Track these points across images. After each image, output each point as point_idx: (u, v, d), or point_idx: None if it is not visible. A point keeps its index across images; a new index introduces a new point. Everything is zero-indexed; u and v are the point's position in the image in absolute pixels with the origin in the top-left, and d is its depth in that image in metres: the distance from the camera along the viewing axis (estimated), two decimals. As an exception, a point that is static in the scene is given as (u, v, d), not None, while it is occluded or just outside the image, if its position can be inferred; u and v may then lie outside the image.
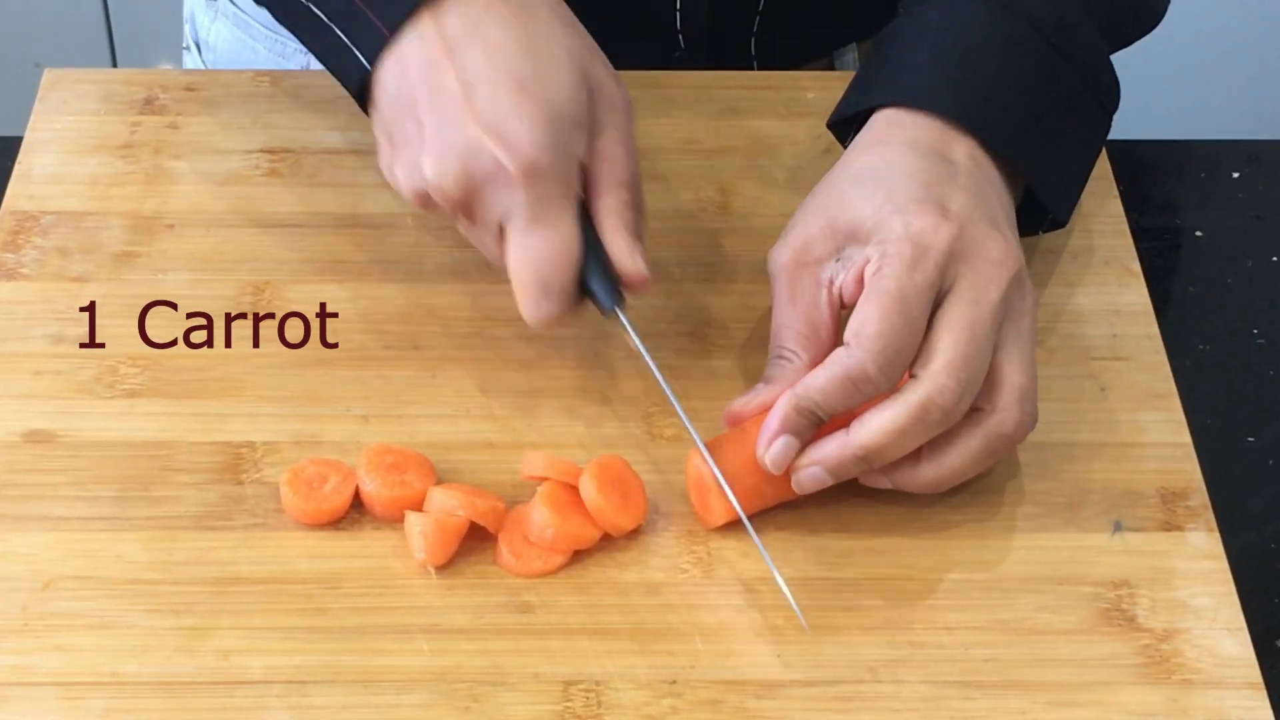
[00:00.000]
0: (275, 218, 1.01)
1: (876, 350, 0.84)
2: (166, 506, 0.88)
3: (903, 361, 0.84)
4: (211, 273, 0.98)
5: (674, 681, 0.82)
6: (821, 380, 0.84)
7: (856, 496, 0.88)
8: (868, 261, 0.86)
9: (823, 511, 0.88)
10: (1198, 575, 0.87)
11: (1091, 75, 0.95)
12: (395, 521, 0.87)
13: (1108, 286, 0.99)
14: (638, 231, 0.89)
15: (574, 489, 0.86)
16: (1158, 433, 0.92)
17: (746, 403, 0.88)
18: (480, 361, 0.94)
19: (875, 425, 0.84)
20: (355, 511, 0.88)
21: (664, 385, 0.88)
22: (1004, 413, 0.86)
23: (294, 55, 1.16)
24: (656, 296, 0.94)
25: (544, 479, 0.87)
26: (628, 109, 0.90)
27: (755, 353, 0.94)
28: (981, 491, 0.89)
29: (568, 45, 0.88)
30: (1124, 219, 1.03)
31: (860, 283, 0.86)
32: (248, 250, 1.00)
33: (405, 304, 0.97)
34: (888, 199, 0.87)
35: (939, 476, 0.86)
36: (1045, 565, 0.87)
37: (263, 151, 1.05)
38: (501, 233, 0.87)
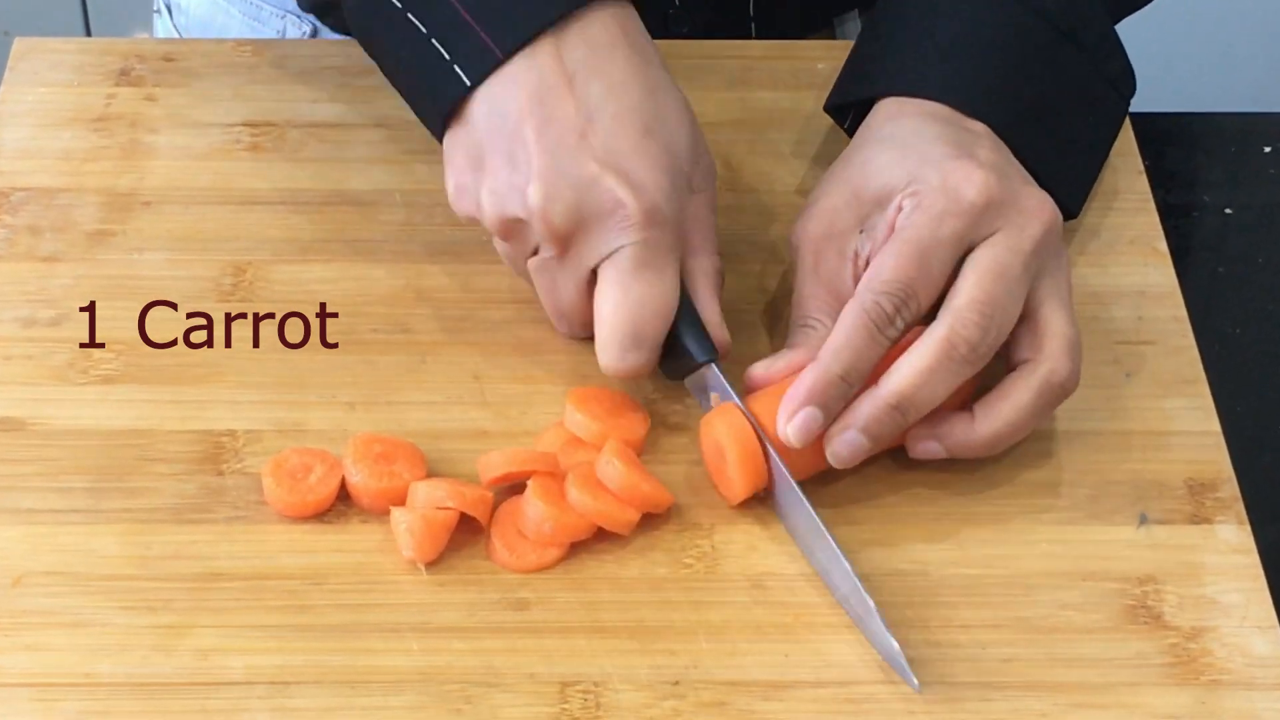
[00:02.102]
0: (257, 194, 1.01)
1: (888, 291, 0.85)
2: (143, 498, 0.87)
3: (917, 303, 0.85)
4: (190, 252, 0.98)
5: (677, 682, 0.82)
6: (842, 336, 0.85)
7: (867, 488, 0.88)
8: (900, 211, 0.87)
9: (832, 504, 0.88)
10: (1227, 570, 0.86)
11: (1103, 62, 0.96)
12: (383, 514, 0.86)
13: (1133, 267, 0.99)
14: (720, 298, 0.91)
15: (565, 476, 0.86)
16: (1185, 420, 0.92)
17: (770, 366, 0.88)
18: (473, 346, 0.94)
19: (903, 370, 0.85)
20: (341, 504, 0.87)
21: (767, 444, 0.86)
22: (1054, 362, 0.87)
23: (270, 19, 1.16)
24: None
25: (509, 476, 0.87)
26: (715, 175, 0.92)
27: (764, 337, 0.94)
28: (1000, 483, 0.89)
29: (681, 99, 0.90)
30: (1150, 196, 1.03)
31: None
32: (228, 229, 0.99)
33: (394, 285, 0.97)
34: (922, 159, 0.88)
35: (995, 432, 0.87)
36: (1067, 560, 0.86)
37: (244, 125, 1.05)
38: (591, 279, 0.87)
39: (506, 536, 0.86)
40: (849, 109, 0.99)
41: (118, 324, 0.94)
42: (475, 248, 0.98)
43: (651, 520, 0.87)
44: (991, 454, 0.88)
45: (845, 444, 0.85)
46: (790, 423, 0.85)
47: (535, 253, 0.88)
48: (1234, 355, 1.00)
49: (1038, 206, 0.88)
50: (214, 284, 0.96)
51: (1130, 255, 1.00)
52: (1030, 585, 0.85)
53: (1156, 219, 1.02)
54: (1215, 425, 0.92)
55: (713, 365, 0.89)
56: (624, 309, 0.86)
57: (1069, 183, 0.95)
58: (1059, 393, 0.87)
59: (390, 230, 0.99)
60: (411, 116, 1.04)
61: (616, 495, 0.85)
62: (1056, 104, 0.95)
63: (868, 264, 0.88)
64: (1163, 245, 1.00)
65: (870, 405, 0.85)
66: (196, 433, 0.90)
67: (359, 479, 0.87)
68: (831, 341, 0.85)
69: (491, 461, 0.87)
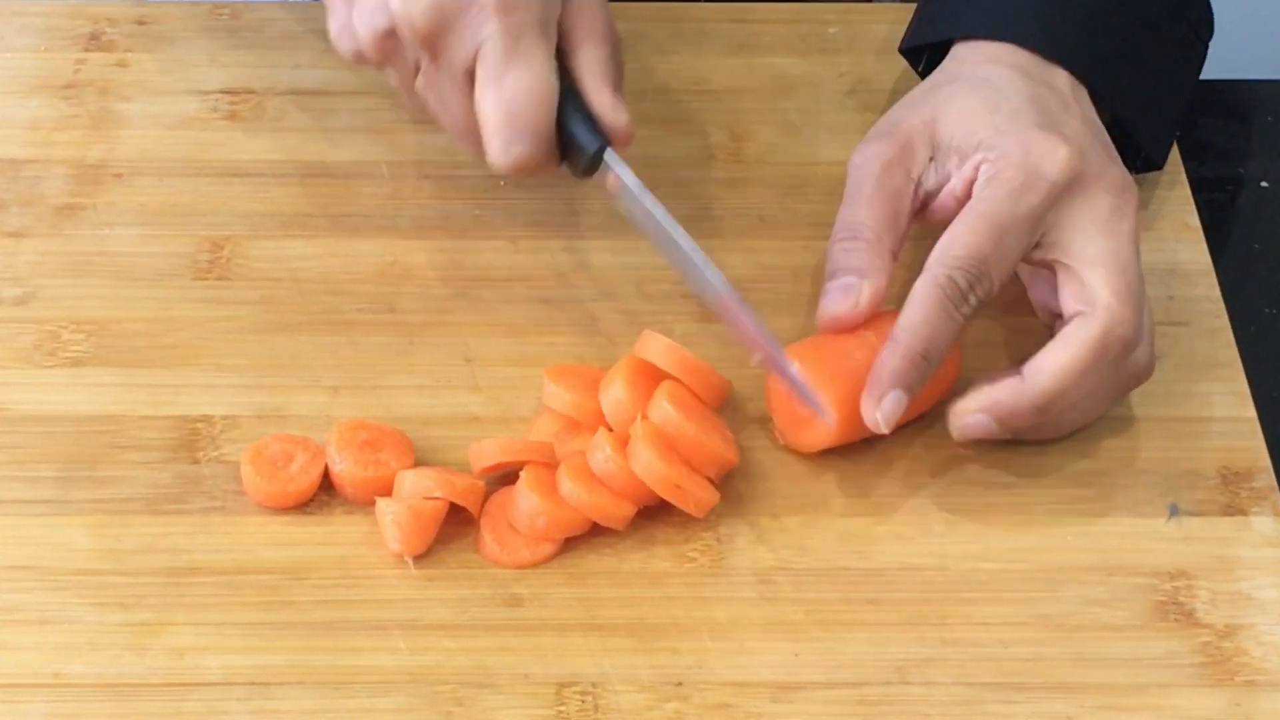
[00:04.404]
0: (235, 166, 1.01)
1: (962, 267, 0.86)
2: (114, 488, 0.87)
3: (990, 282, 0.86)
4: (164, 227, 0.98)
5: (680, 683, 0.82)
6: (919, 312, 0.86)
7: (882, 479, 0.88)
8: (977, 172, 0.88)
9: (846, 493, 0.88)
10: (1263, 564, 0.86)
11: (1185, 3, 0.97)
12: (368, 505, 0.86)
13: (1164, 243, 0.99)
14: (619, 86, 0.92)
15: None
16: (1219, 406, 0.92)
17: (856, 306, 0.88)
18: (463, 326, 0.94)
19: (1053, 366, 0.86)
20: (324, 494, 0.87)
21: (682, 238, 0.88)
22: (1140, 353, 0.88)
23: None
24: (657, 254, 0.93)
25: (501, 465, 0.86)
26: None
27: (772, 316, 0.94)
28: (1023, 472, 0.89)
29: None
30: (1181, 168, 1.03)
31: (958, 202, 0.89)
32: (205, 202, 0.99)
33: (380, 262, 0.96)
34: (1009, 119, 0.89)
35: (1068, 421, 0.89)
36: (1093, 554, 0.86)
37: (221, 92, 1.04)
38: (470, 79, 0.89)
39: (498, 530, 0.85)
40: (922, 52, 0.99)
41: (87, 303, 0.94)
42: (466, 222, 0.98)
43: (652, 511, 0.86)
44: (1055, 436, 0.89)
45: (976, 425, 0.87)
46: (879, 409, 0.85)
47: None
48: (1270, 337, 1.00)
49: (1124, 185, 0.89)
50: (189, 261, 0.96)
51: (1161, 231, 0.99)
52: (1054, 580, 0.85)
53: (1188, 192, 1.01)
54: (1250, 411, 0.92)
55: (608, 150, 0.90)
56: (497, 102, 0.88)
57: (1154, 131, 0.96)
58: (1134, 383, 0.90)
59: (376, 204, 0.99)
60: (399, 83, 1.04)
61: (611, 487, 0.85)
62: (1141, 49, 0.96)
63: (927, 197, 0.90)
64: (1195, 220, 1.00)
65: (1012, 398, 0.86)
66: (171, 418, 0.90)
67: (343, 467, 0.86)
68: (907, 319, 0.86)
69: (483, 450, 0.86)
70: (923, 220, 0.91)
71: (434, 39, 0.88)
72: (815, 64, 1.07)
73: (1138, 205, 0.89)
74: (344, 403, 0.91)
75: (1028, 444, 0.89)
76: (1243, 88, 1.13)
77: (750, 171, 1.02)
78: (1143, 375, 0.89)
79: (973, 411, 0.87)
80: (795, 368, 0.86)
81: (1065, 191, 0.88)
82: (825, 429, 0.87)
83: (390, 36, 0.89)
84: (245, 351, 0.93)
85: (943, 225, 0.88)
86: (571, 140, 0.90)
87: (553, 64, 0.89)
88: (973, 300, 0.86)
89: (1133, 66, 0.95)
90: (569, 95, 0.90)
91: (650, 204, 0.89)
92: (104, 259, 0.96)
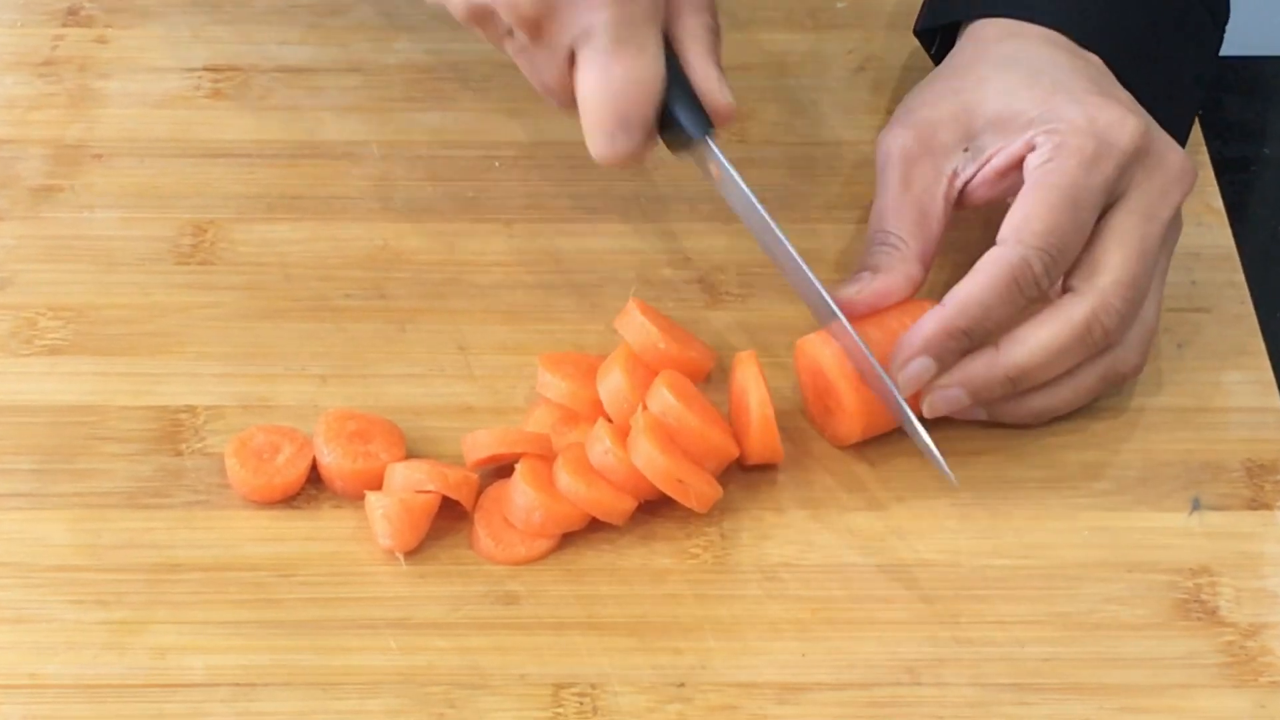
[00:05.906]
0: (220, 146, 1.01)
1: (1042, 247, 0.85)
2: (94, 481, 0.87)
3: (1065, 263, 0.86)
4: (146, 210, 0.98)
5: (682, 684, 0.81)
6: (978, 289, 0.85)
7: (893, 471, 0.88)
8: (1031, 149, 0.88)
9: (852, 488, 0.88)
10: (1289, 561, 0.86)
11: None
12: (358, 498, 0.86)
13: (1186, 226, 0.98)
14: (719, 58, 0.90)
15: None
16: (1243, 396, 0.92)
17: (859, 293, 0.88)
18: (457, 313, 0.94)
19: (1032, 342, 0.86)
20: (312, 487, 0.87)
21: (771, 223, 0.88)
22: (1128, 351, 0.88)
23: None
24: (659, 238, 0.93)
25: (496, 457, 0.86)
26: None
27: (773, 303, 0.93)
28: (1038, 465, 0.89)
29: None
30: (1204, 148, 1.02)
31: (1000, 177, 0.88)
32: (188, 184, 0.99)
33: (370, 246, 0.96)
34: (1056, 91, 0.89)
35: (1047, 408, 0.89)
36: (1112, 550, 0.86)
37: (205, 69, 1.04)
38: (571, 59, 0.88)
39: (492, 525, 0.85)
40: (935, 33, 0.99)
41: (66, 289, 0.94)
42: (459, 205, 0.98)
43: (653, 506, 0.86)
44: (1034, 424, 0.89)
45: (946, 400, 0.87)
46: (903, 371, 0.85)
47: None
48: (1296, 324, 1.00)
49: (1180, 170, 0.88)
50: (172, 245, 0.96)
51: (1182, 213, 0.99)
52: (1072, 577, 0.85)
53: (1211, 174, 1.01)
54: (1276, 401, 0.91)
55: (708, 140, 0.89)
56: (605, 92, 0.87)
57: (1174, 120, 0.95)
58: (1120, 381, 0.89)
59: (366, 186, 0.99)
60: (390, 60, 1.04)
61: (610, 481, 0.85)
62: (1161, 33, 0.95)
63: (964, 187, 0.89)
64: (1218, 203, 1.00)
65: (985, 370, 0.86)
66: (152, 409, 0.90)
67: (331, 460, 0.86)
68: (962, 292, 0.85)
69: (477, 441, 0.86)
70: (961, 206, 0.90)
71: (537, 21, 0.86)
72: (822, 40, 1.06)
73: (1187, 192, 0.89)
74: (332, 392, 0.90)
75: (1042, 438, 0.89)
76: (1268, 65, 1.13)
77: (755, 152, 1.01)
78: (1128, 373, 0.89)
79: (946, 385, 0.86)
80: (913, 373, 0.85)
81: (1133, 162, 0.87)
82: (851, 423, 0.87)
83: (485, 9, 0.87)
84: (230, 339, 0.92)
85: (981, 207, 0.88)
86: (673, 120, 0.88)
87: (661, 49, 0.87)
88: (1044, 285, 0.86)
89: (1154, 52, 0.95)
90: (670, 69, 0.88)
91: (752, 196, 0.88)
92: (83, 243, 0.96)
